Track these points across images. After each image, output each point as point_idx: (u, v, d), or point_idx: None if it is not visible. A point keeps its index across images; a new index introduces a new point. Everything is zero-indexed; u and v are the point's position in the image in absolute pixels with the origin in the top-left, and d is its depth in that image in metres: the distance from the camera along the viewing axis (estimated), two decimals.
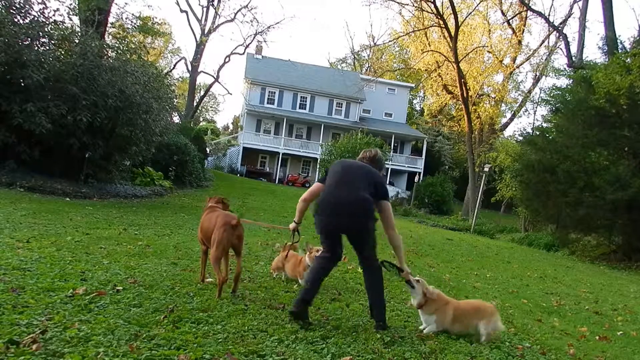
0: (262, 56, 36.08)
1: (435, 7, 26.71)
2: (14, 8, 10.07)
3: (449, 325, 3.63)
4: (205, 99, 46.29)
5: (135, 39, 16.39)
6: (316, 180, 5.10)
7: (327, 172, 3.79)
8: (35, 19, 10.32)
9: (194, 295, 3.72)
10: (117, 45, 13.25)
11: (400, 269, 3.71)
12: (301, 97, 35.71)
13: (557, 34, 27.95)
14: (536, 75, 33.98)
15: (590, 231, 15.23)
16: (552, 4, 76.22)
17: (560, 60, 50.39)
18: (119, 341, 2.61)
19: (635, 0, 50.82)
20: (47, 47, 10.64)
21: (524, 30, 32.46)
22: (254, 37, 30.05)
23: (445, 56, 29.97)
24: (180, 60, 36.31)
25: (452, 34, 26.04)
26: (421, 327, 3.72)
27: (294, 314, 3.36)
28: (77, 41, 10.96)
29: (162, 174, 14.89)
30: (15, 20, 9.99)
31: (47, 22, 10.63)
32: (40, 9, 10.54)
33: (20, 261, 3.93)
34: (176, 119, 21.21)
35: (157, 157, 14.71)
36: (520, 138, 22.43)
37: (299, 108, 35.61)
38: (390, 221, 3.61)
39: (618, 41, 17.42)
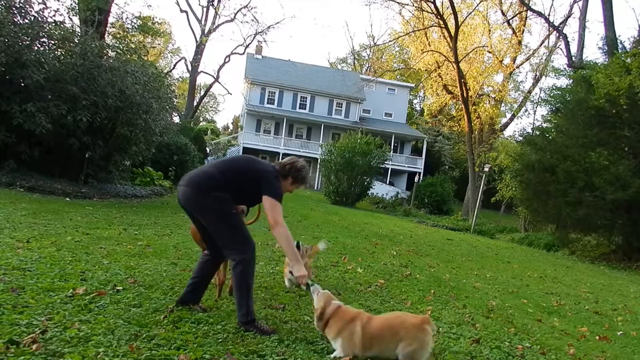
0: (262, 56, 36.11)
1: (435, 7, 26.71)
2: (14, 8, 10.07)
3: (359, 351, 2.82)
4: (205, 99, 46.36)
5: (135, 39, 16.41)
6: None
7: None
8: (35, 19, 10.32)
9: None
10: (117, 45, 13.25)
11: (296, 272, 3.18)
12: (301, 97, 35.72)
13: (557, 34, 27.90)
14: (536, 75, 33.97)
15: (590, 231, 15.21)
16: (552, 4, 76.26)
17: (560, 60, 50.61)
18: (119, 341, 2.61)
19: (635, 0, 50.86)
20: (47, 47, 10.63)
21: (524, 30, 32.43)
22: (254, 37, 30.13)
23: (445, 56, 29.95)
24: (180, 60, 36.46)
25: (452, 34, 26.03)
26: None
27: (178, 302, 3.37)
28: (77, 41, 10.95)
29: (162, 174, 14.90)
30: (15, 20, 9.99)
31: (47, 22, 10.63)
32: (40, 9, 10.55)
33: (20, 261, 3.93)
34: (176, 119, 21.19)
35: (157, 157, 14.73)
36: (520, 138, 22.39)
37: (299, 108, 35.62)
38: (269, 218, 3.17)
39: (618, 41, 17.43)
